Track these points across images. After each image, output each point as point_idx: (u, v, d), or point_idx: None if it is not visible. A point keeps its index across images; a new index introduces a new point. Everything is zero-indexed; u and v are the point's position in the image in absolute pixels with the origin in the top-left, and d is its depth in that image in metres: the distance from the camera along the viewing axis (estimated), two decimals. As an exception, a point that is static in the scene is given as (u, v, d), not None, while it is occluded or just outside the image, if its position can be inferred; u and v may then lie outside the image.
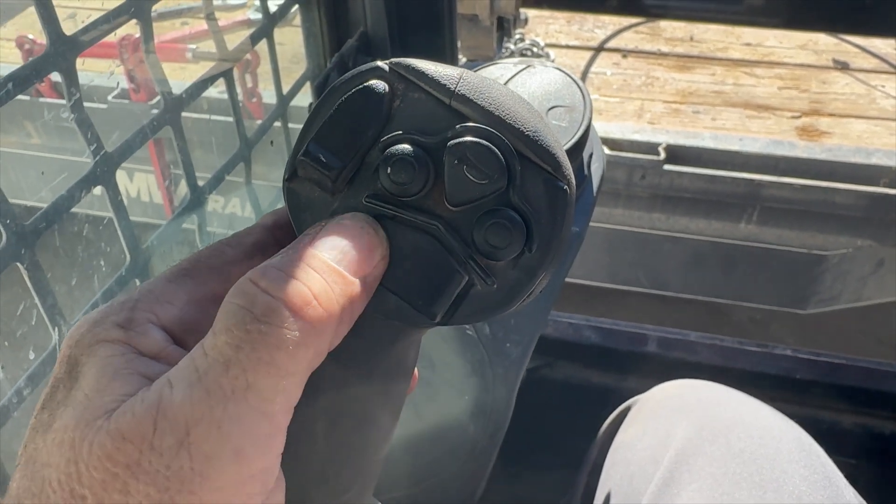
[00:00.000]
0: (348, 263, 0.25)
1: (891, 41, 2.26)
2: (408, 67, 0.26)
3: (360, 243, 0.25)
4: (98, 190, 0.48)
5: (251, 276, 0.24)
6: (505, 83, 0.50)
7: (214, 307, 0.25)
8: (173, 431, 0.21)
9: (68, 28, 0.44)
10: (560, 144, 0.26)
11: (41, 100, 1.48)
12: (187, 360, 0.23)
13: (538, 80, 0.50)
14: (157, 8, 0.52)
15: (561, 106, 0.50)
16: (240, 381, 0.22)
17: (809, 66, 2.22)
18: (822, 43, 2.31)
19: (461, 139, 0.25)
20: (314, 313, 0.23)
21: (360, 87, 0.26)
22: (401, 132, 0.26)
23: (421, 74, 0.26)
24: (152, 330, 0.26)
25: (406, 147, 0.26)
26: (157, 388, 0.22)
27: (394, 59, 0.27)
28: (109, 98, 1.46)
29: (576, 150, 0.49)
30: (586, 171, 0.55)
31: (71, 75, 0.44)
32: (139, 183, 1.70)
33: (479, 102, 0.25)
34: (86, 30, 0.45)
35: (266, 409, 0.22)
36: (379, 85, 0.26)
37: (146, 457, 0.21)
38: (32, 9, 0.41)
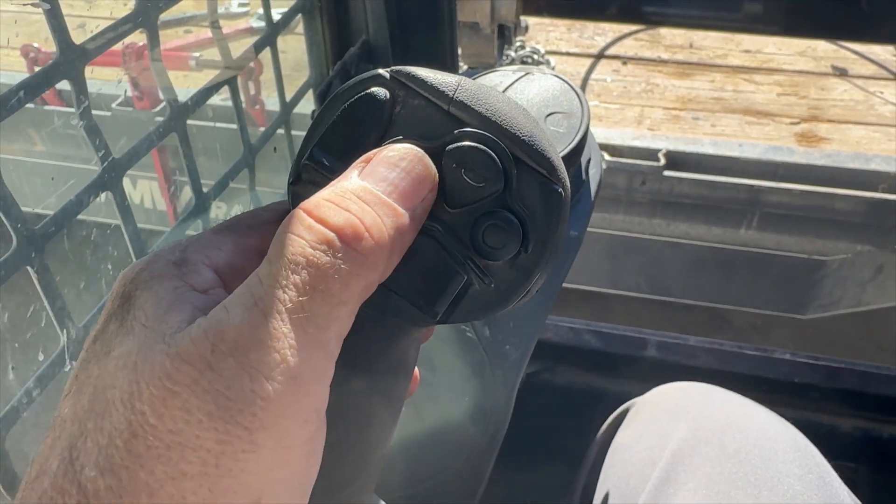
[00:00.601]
0: (398, 196, 0.25)
1: (889, 48, 2.28)
2: (408, 75, 0.27)
3: (410, 175, 0.26)
4: (105, 196, 0.49)
5: (304, 206, 0.24)
6: (504, 90, 0.51)
7: (257, 258, 0.26)
8: (232, 353, 0.22)
9: (76, 37, 0.45)
10: (555, 148, 0.27)
11: (46, 107, 1.49)
12: (243, 287, 0.23)
13: (537, 87, 0.51)
14: (161, 16, 0.53)
15: (559, 112, 0.51)
16: (296, 307, 0.22)
17: (808, 72, 2.23)
18: (821, 49, 2.32)
19: (459, 144, 0.26)
20: (366, 245, 0.24)
21: (362, 93, 0.27)
22: (401, 137, 0.27)
23: (420, 82, 0.27)
24: (204, 269, 0.26)
25: None
26: (214, 314, 0.23)
27: (394, 67, 0.28)
28: (113, 106, 1.47)
29: (573, 156, 0.49)
30: (584, 177, 0.56)
31: (80, 83, 0.45)
32: (143, 190, 1.72)
33: (476, 108, 0.26)
34: (94, 39, 0.46)
35: (321, 337, 0.23)
36: (380, 92, 0.27)
37: (206, 377, 0.22)
38: (33, 17, 0.42)
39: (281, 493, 0.23)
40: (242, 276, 0.27)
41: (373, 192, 0.25)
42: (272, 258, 0.24)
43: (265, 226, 0.29)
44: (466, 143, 0.26)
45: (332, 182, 0.26)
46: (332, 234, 0.23)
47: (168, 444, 0.21)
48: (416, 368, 0.33)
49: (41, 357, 0.45)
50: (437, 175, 0.27)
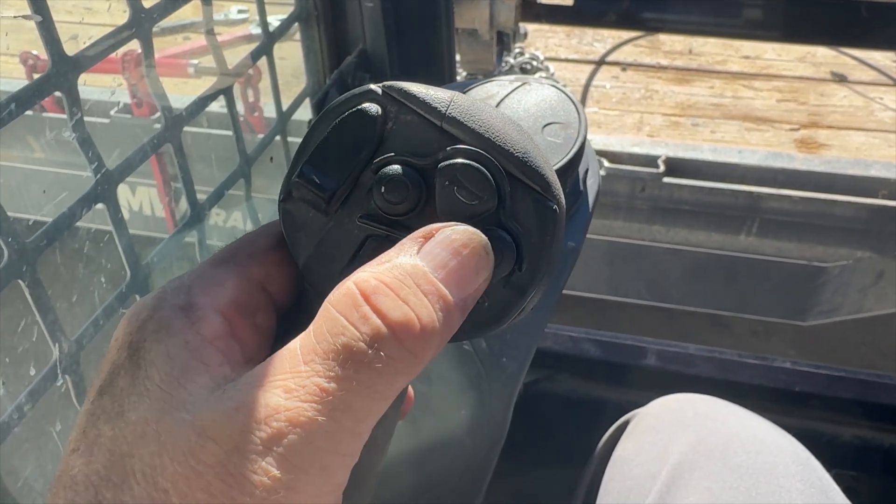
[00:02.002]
0: (455, 286, 0.24)
1: (889, 54, 2.28)
2: (400, 91, 0.27)
3: (470, 265, 0.25)
4: (98, 208, 0.49)
5: (361, 286, 0.23)
6: (500, 100, 0.50)
7: (259, 291, 0.25)
8: (262, 438, 0.21)
9: (70, 48, 0.44)
10: (550, 165, 0.27)
11: (44, 114, 1.49)
12: (281, 360, 0.22)
13: (533, 98, 0.51)
14: (160, 23, 0.53)
15: (556, 123, 0.50)
16: (336, 401, 0.21)
17: (808, 78, 2.23)
18: (821, 55, 2.32)
19: (452, 161, 0.26)
20: (419, 346, 0.23)
21: (354, 109, 0.27)
22: (393, 154, 0.26)
23: (412, 97, 0.26)
24: (211, 314, 0.25)
25: (398, 168, 0.26)
26: (247, 391, 0.22)
27: (386, 83, 0.27)
28: (112, 113, 1.47)
29: (571, 167, 0.49)
30: (582, 187, 0.55)
31: (73, 95, 0.45)
32: (141, 196, 1.71)
33: (469, 125, 0.26)
34: (88, 50, 0.46)
35: (356, 430, 0.22)
36: (372, 108, 0.27)
37: (232, 459, 0.21)
38: (32, 25, 0.42)
39: None
40: (247, 312, 0.26)
41: (431, 281, 0.24)
42: (319, 336, 0.23)
43: (264, 254, 0.28)
44: (459, 160, 0.26)
45: (388, 255, 0.25)
46: (386, 331, 0.22)
47: None
48: (409, 386, 0.33)
49: (32, 371, 0.45)
50: (494, 261, 0.26)
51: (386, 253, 0.25)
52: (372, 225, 0.27)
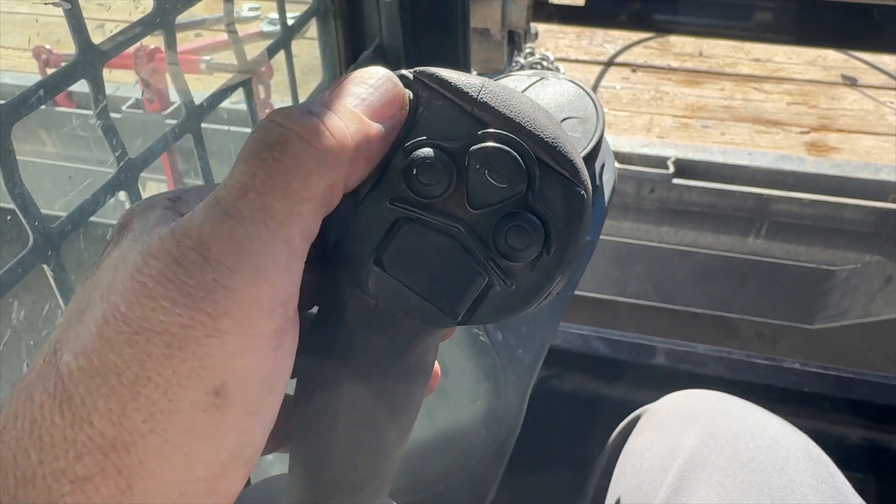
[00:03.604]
0: (365, 108, 0.26)
1: (900, 58, 2.27)
2: (432, 76, 0.27)
3: (378, 91, 0.27)
4: (120, 195, 0.49)
5: (270, 114, 0.25)
6: (520, 94, 0.51)
7: None
8: (195, 247, 0.23)
9: (94, 38, 0.45)
10: (577, 151, 0.27)
11: (56, 109, 1.50)
12: (210, 195, 0.24)
13: (551, 92, 0.51)
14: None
15: (574, 117, 0.51)
16: (256, 204, 0.23)
17: (818, 81, 2.23)
18: (831, 59, 2.32)
19: (483, 144, 0.26)
20: (326, 143, 0.24)
21: None
22: (425, 138, 0.27)
23: (444, 83, 0.27)
24: (196, 205, 0.27)
25: (429, 151, 0.27)
26: (183, 217, 0.24)
27: (418, 69, 0.28)
28: (124, 108, 1.48)
29: (588, 161, 0.49)
30: (598, 182, 0.56)
31: (98, 83, 0.46)
32: (151, 192, 1.72)
33: (500, 110, 0.26)
34: (112, 39, 0.47)
35: (283, 233, 0.24)
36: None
37: (171, 269, 0.23)
38: (46, 20, 0.42)
39: (246, 382, 0.23)
40: None
41: (339, 103, 0.26)
42: (236, 163, 0.25)
43: None
44: (490, 143, 0.26)
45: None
46: (291, 133, 0.24)
47: (135, 329, 0.22)
48: (437, 364, 0.33)
49: (56, 355, 0.45)
50: (408, 97, 0.27)
51: None
52: (403, 207, 0.27)
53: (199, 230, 0.23)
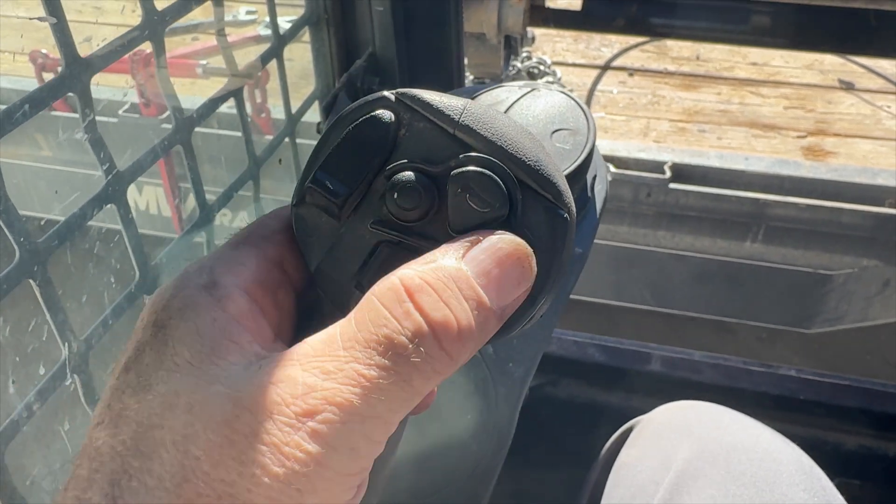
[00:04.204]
0: (495, 294, 0.25)
1: (897, 62, 2.27)
2: (413, 98, 0.27)
3: (512, 276, 0.25)
4: (109, 208, 0.49)
5: (405, 282, 0.24)
6: (509, 106, 0.51)
7: (276, 269, 0.26)
8: (300, 413, 0.21)
9: (83, 50, 0.45)
10: (561, 173, 0.27)
11: (53, 113, 1.50)
12: (322, 343, 0.23)
13: (542, 104, 0.51)
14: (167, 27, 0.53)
15: (565, 129, 0.50)
16: (374, 388, 0.22)
17: (815, 85, 2.23)
18: (828, 63, 2.32)
19: (464, 168, 0.26)
20: (455, 348, 0.23)
21: (367, 116, 0.27)
22: (406, 160, 0.27)
23: (426, 105, 0.27)
24: (236, 292, 0.26)
25: (411, 175, 0.26)
26: (285, 367, 0.23)
27: (400, 90, 0.27)
28: (120, 112, 1.48)
29: (579, 173, 0.49)
30: (590, 193, 0.55)
31: (85, 96, 0.45)
32: (148, 196, 1.72)
33: (481, 133, 0.26)
34: (100, 51, 0.46)
35: (388, 419, 0.23)
36: (385, 114, 0.27)
37: (267, 429, 0.21)
38: (42, 24, 0.42)
39: None
40: (269, 289, 0.27)
41: (472, 286, 0.24)
42: (360, 325, 0.23)
43: (276, 235, 0.29)
44: (472, 167, 0.26)
45: (434, 256, 0.25)
46: (427, 330, 0.23)
47: (219, 493, 0.21)
48: None
49: (42, 371, 0.45)
50: (535, 274, 0.26)
51: (431, 253, 0.25)
52: (384, 231, 0.27)
53: (304, 392, 0.22)
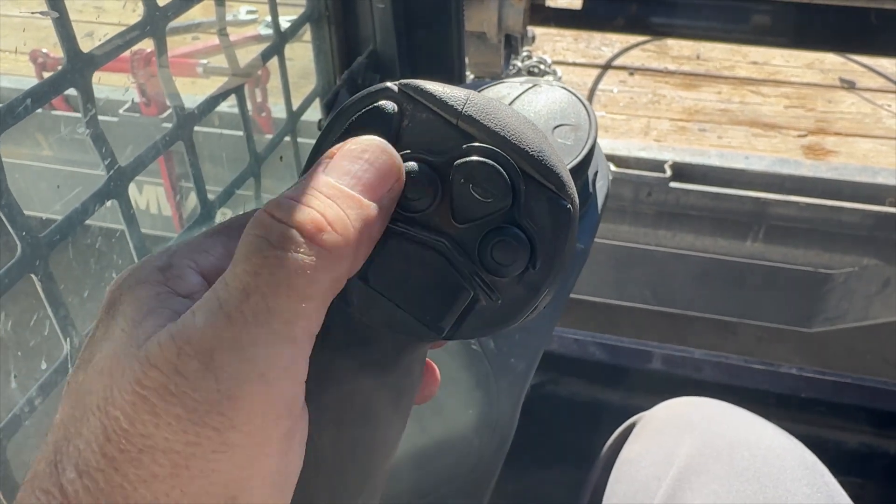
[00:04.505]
0: (363, 187, 0.25)
1: (897, 61, 2.27)
2: (416, 88, 0.27)
3: (374, 166, 0.26)
4: (110, 204, 0.49)
5: (266, 207, 0.24)
6: (511, 102, 0.51)
7: None
8: (197, 356, 0.22)
9: (84, 46, 0.45)
10: (564, 164, 0.27)
11: (53, 112, 1.50)
12: (210, 292, 0.24)
13: (544, 99, 0.51)
14: (169, 23, 0.53)
15: (566, 124, 0.50)
16: (260, 306, 0.22)
17: (816, 84, 2.23)
18: (829, 62, 2.32)
19: (467, 158, 0.26)
20: (329, 238, 0.24)
21: (370, 107, 0.27)
22: (409, 151, 0.27)
23: (429, 95, 0.27)
24: (189, 273, 0.26)
25: (414, 165, 0.26)
26: (182, 319, 0.23)
27: (403, 80, 0.27)
28: (120, 111, 1.48)
29: (580, 169, 0.49)
30: (591, 189, 0.55)
31: (87, 91, 0.45)
32: (148, 195, 1.72)
33: (485, 123, 0.26)
34: (102, 47, 0.46)
35: (288, 333, 0.23)
36: (388, 105, 0.27)
37: (172, 380, 0.22)
38: (42, 24, 0.42)
39: (256, 492, 0.23)
40: None
41: (335, 186, 0.25)
42: (236, 260, 0.24)
43: None
44: (475, 157, 0.26)
45: (298, 181, 0.26)
46: (293, 231, 0.23)
47: (140, 447, 0.22)
48: (436, 368, 0.33)
49: (44, 365, 0.45)
50: (403, 165, 0.26)
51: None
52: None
53: (200, 336, 0.22)
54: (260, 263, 0.23)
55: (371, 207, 0.25)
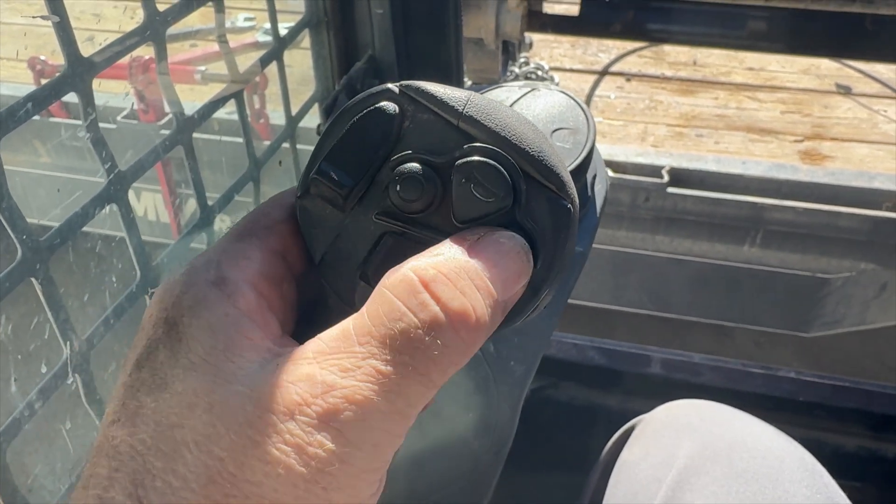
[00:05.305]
0: (501, 287, 0.25)
1: (893, 66, 2.28)
2: (417, 90, 0.27)
3: (513, 266, 0.25)
4: (109, 208, 0.49)
5: (419, 273, 0.24)
6: (510, 106, 0.51)
7: (280, 261, 0.26)
8: (321, 412, 0.22)
9: (85, 50, 0.45)
10: (564, 165, 0.27)
11: (51, 119, 1.50)
12: (336, 339, 0.23)
13: (542, 103, 0.51)
14: (167, 30, 0.53)
15: (565, 128, 0.50)
16: (391, 383, 0.22)
17: (812, 90, 2.24)
18: (825, 67, 2.33)
19: (468, 158, 0.26)
20: (471, 337, 0.23)
21: (372, 108, 0.27)
22: (410, 152, 0.27)
23: (430, 96, 0.27)
24: (245, 287, 0.26)
25: (415, 166, 0.26)
26: (303, 365, 0.23)
27: (404, 82, 0.28)
28: (119, 118, 1.48)
29: (579, 172, 0.49)
30: (590, 192, 0.56)
31: (87, 96, 0.45)
32: (146, 202, 1.72)
33: (486, 123, 0.26)
34: (102, 52, 0.46)
35: (407, 413, 0.23)
36: (389, 106, 0.27)
37: (289, 429, 0.21)
38: (40, 31, 0.42)
39: None
40: (275, 283, 0.27)
41: (482, 277, 0.24)
42: (374, 319, 0.23)
43: (280, 225, 0.29)
44: (476, 157, 0.26)
45: (438, 248, 0.25)
46: (444, 318, 0.23)
47: (246, 494, 0.21)
48: None
49: (44, 369, 0.45)
50: (532, 268, 0.26)
51: (436, 247, 0.25)
52: (388, 222, 0.27)
53: (324, 391, 0.22)
54: (403, 339, 0.22)
55: (499, 309, 0.25)
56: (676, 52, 2.43)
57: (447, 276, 0.24)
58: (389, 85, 0.28)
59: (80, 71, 0.44)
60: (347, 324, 0.24)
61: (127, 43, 0.49)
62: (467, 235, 0.26)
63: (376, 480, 0.23)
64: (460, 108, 0.26)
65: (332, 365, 0.22)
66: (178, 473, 0.21)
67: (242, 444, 0.21)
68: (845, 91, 2.22)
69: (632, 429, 0.69)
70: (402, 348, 0.22)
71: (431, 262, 0.24)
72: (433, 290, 0.23)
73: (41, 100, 0.42)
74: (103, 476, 0.22)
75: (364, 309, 0.24)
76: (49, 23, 0.43)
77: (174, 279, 0.26)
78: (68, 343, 0.45)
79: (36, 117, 0.42)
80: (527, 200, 0.26)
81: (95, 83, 0.46)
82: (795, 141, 2.01)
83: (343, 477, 0.22)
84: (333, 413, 0.22)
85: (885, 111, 2.12)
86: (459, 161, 0.26)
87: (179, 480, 0.21)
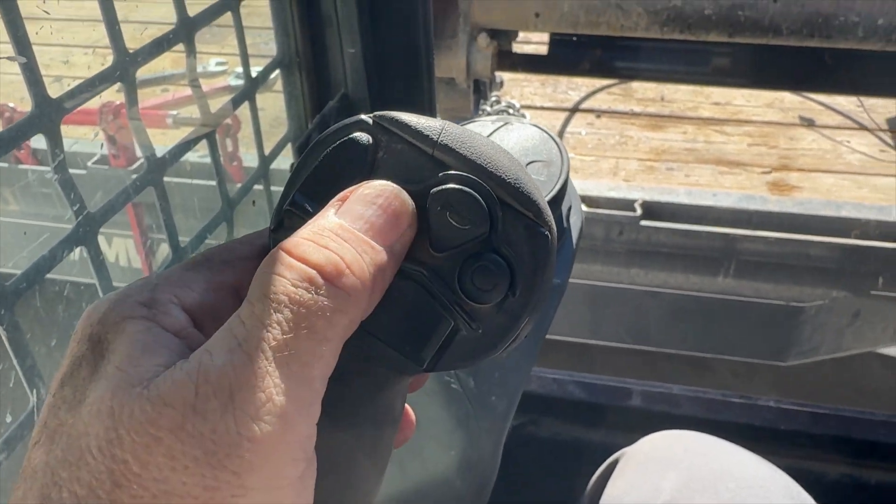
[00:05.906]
0: (375, 233, 0.25)
1: (853, 98, 2.35)
2: (391, 120, 0.27)
3: (386, 212, 0.26)
4: (79, 252, 0.48)
5: (283, 246, 0.24)
6: (484, 138, 0.51)
7: (230, 296, 0.26)
8: (217, 395, 0.21)
9: (53, 91, 0.44)
10: (540, 191, 0.27)
11: (20, 166, 1.48)
12: (224, 330, 0.23)
13: (516, 136, 0.52)
14: (138, 74, 0.53)
15: (539, 161, 0.51)
16: (280, 346, 0.22)
17: (777, 123, 2.29)
18: (788, 101, 2.39)
19: (444, 186, 0.26)
20: (348, 281, 0.24)
21: (345, 139, 0.27)
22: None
23: (404, 126, 0.27)
24: (174, 309, 0.26)
25: None
26: (196, 357, 0.22)
27: (377, 113, 0.27)
28: (89, 164, 1.47)
29: (554, 204, 0.49)
30: (565, 224, 0.56)
31: (55, 137, 0.45)
32: (118, 248, 1.70)
33: (461, 151, 0.26)
34: (71, 94, 0.46)
35: (306, 375, 0.22)
36: (363, 137, 0.27)
37: (189, 420, 0.21)
38: (9, 77, 0.42)
39: None
40: (214, 315, 0.26)
41: (350, 230, 0.25)
42: (254, 298, 0.23)
43: (242, 261, 0.29)
44: (451, 185, 0.26)
45: (309, 222, 0.26)
46: (313, 272, 0.23)
47: (154, 493, 0.21)
48: (410, 409, 0.32)
49: (9, 419, 0.44)
50: (415, 210, 0.26)
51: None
52: (364, 253, 0.27)
53: (219, 374, 0.22)
54: (280, 302, 0.23)
55: (383, 252, 0.25)
56: (644, 89, 2.48)
57: (310, 238, 0.24)
58: (363, 116, 0.27)
59: (48, 111, 0.44)
60: (234, 314, 0.24)
61: (97, 84, 0.48)
62: (336, 199, 0.26)
63: (296, 459, 0.22)
64: (435, 137, 0.26)
65: (221, 349, 0.22)
66: (83, 481, 0.21)
67: (145, 443, 0.21)
68: (809, 123, 2.28)
69: (615, 462, 0.69)
70: (281, 310, 0.22)
71: (296, 234, 0.25)
72: (298, 252, 0.24)
73: (8, 141, 0.41)
74: (17, 498, 0.22)
75: (247, 293, 0.24)
76: (17, 69, 0.42)
77: (104, 298, 0.26)
78: (34, 390, 0.44)
79: (4, 164, 0.41)
80: (504, 227, 0.26)
81: (64, 129, 0.46)
82: (763, 172, 2.05)
83: (254, 458, 0.21)
84: (229, 394, 0.21)
85: (849, 142, 2.17)
86: (435, 189, 0.26)
87: (84, 488, 0.21)
